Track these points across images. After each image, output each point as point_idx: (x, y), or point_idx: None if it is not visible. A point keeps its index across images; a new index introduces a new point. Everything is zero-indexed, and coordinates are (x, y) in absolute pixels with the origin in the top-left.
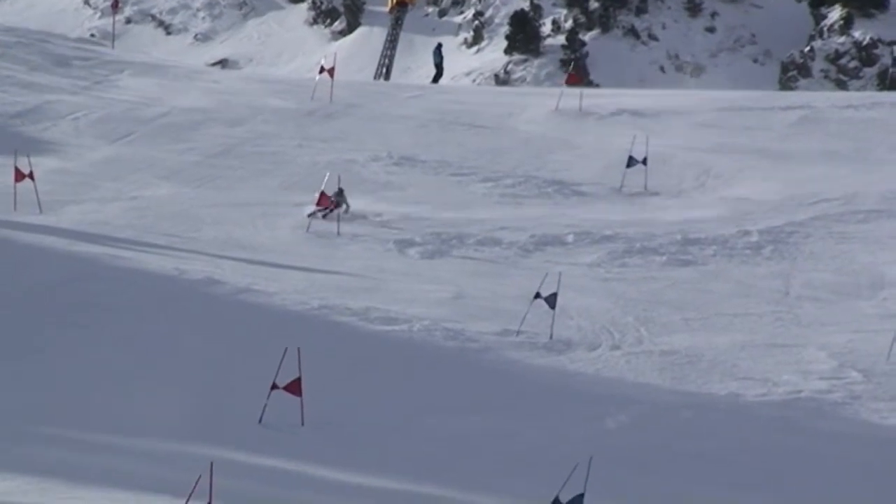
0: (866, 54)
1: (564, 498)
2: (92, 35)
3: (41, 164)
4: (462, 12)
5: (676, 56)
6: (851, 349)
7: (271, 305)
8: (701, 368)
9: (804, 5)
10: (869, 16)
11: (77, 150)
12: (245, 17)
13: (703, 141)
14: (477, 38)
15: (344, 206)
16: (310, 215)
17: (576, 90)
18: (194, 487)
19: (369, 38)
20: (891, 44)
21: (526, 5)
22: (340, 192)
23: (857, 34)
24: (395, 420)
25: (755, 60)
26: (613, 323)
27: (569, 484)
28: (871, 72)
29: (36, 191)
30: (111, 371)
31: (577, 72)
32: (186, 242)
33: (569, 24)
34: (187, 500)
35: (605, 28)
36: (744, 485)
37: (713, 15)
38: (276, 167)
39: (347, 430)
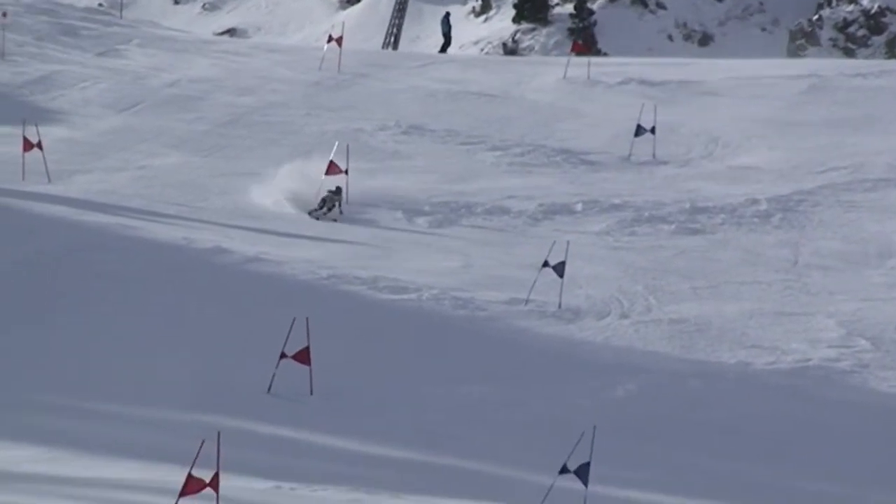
0: (875, 22)
1: (572, 466)
2: (100, 5)
3: (49, 134)
4: None
5: (685, 25)
6: (860, 317)
7: (280, 275)
8: (710, 337)
9: None
10: None
11: (85, 120)
12: None
13: (712, 110)
14: (485, 7)
15: (338, 205)
16: (311, 212)
17: (583, 59)
18: (198, 454)
19: (377, 7)
20: None
21: None
22: (338, 191)
23: (865, 2)
24: (404, 389)
25: (763, 29)
26: (622, 291)
27: (576, 453)
28: (879, 40)
29: (44, 160)
30: (119, 341)
31: (584, 41)
32: (194, 212)
33: None
34: (191, 468)
35: None
36: (751, 455)
37: None
38: (283, 136)
39: (356, 399)
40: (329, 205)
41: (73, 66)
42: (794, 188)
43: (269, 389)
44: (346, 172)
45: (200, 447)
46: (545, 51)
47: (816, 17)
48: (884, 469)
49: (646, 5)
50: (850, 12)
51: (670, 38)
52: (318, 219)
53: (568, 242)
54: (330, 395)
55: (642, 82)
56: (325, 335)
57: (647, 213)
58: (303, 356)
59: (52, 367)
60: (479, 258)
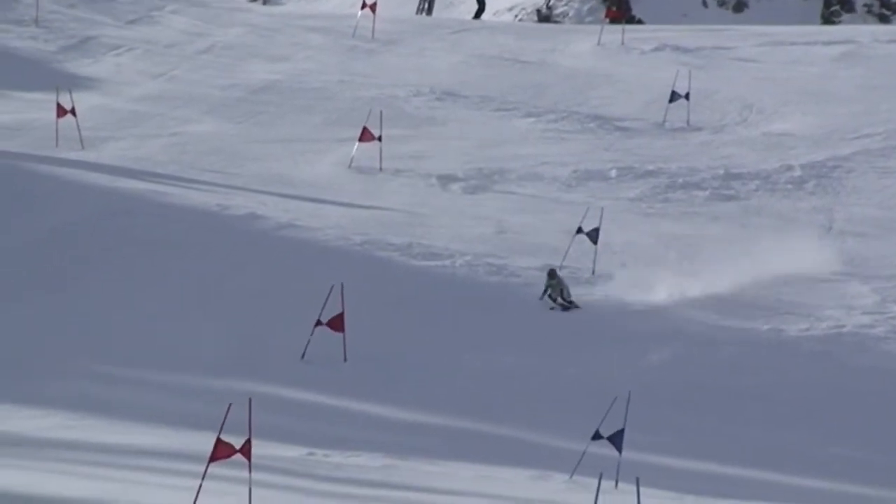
0: None
1: (605, 432)
2: None
3: (83, 101)
4: None
5: None
6: (895, 284)
7: (313, 241)
8: (743, 304)
9: None
10: None
11: (118, 87)
12: None
13: (746, 76)
14: None
15: None
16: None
17: (618, 26)
18: (225, 418)
19: None
20: None
21: None
22: None
23: None
24: (438, 356)
25: None
26: (656, 258)
27: (610, 419)
28: None
29: (78, 127)
30: (152, 307)
31: (619, 7)
32: (228, 178)
33: None
34: (219, 434)
35: None
36: (782, 421)
37: None
38: (317, 103)
39: (389, 366)
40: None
41: (106, 32)
42: (828, 154)
43: (303, 356)
44: (380, 139)
45: (227, 412)
46: (579, 17)
47: None
48: None
49: None
50: None
51: (705, 4)
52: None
53: (602, 209)
54: (363, 362)
55: (676, 49)
56: (359, 302)
57: (680, 180)
58: (337, 323)
59: (86, 334)
60: (512, 224)
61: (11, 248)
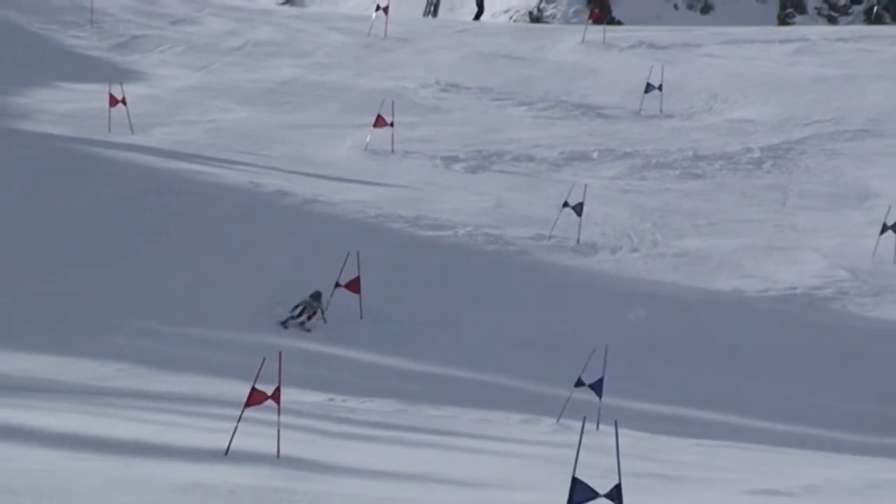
0: None
1: (587, 380)
2: None
3: (132, 91)
4: None
5: None
6: (841, 251)
7: (334, 214)
8: (709, 268)
9: None
10: None
11: (163, 79)
12: None
13: (712, 70)
14: None
15: (319, 312)
16: (283, 322)
17: (600, 26)
18: (259, 370)
19: None
20: None
21: None
22: (317, 297)
23: None
24: (442, 314)
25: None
26: (633, 228)
27: (591, 369)
28: (858, 9)
29: (128, 114)
30: (192, 272)
31: (601, 9)
32: (259, 159)
33: None
34: (254, 382)
35: None
36: (743, 371)
37: None
38: (336, 94)
39: (400, 323)
40: (309, 312)
41: (152, 32)
42: (783, 138)
43: (323, 314)
44: (392, 125)
45: (262, 364)
46: (566, 19)
47: None
48: (860, 383)
49: None
50: None
51: (676, 6)
52: (286, 327)
53: (585, 186)
54: (377, 320)
55: (651, 46)
56: (373, 267)
57: (654, 161)
58: (354, 285)
59: (134, 295)
60: (507, 199)
61: (69, 218)
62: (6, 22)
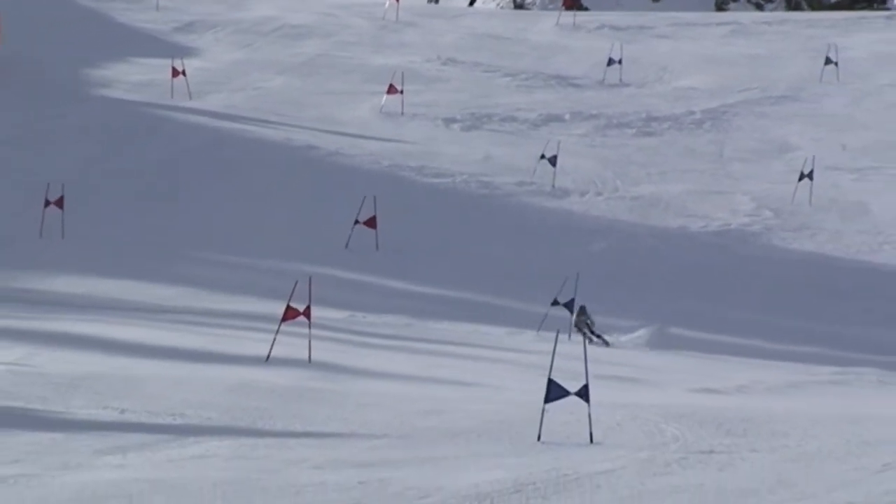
0: None
1: (561, 300)
2: None
3: (191, 65)
4: None
5: None
6: (766, 195)
7: (353, 164)
8: (660, 209)
9: None
10: None
11: (216, 55)
12: None
13: (662, 47)
14: None
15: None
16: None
17: (571, 11)
18: (293, 291)
19: None
20: None
21: None
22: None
23: None
24: (443, 247)
25: None
26: (597, 176)
27: (565, 291)
28: None
29: (187, 83)
30: (238, 211)
31: None
32: (292, 119)
33: None
34: (289, 301)
35: None
36: (688, 293)
37: None
38: (356, 67)
39: (409, 252)
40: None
41: (207, 17)
42: (720, 103)
43: (346, 246)
44: (402, 92)
45: (294, 287)
46: (544, 5)
47: None
48: (782, 302)
49: None
50: None
51: None
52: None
53: (559, 142)
54: (390, 251)
55: (612, 28)
56: (386, 208)
57: (615, 121)
58: (371, 222)
59: (193, 229)
60: (495, 153)
61: (139, 169)
62: (90, 9)
